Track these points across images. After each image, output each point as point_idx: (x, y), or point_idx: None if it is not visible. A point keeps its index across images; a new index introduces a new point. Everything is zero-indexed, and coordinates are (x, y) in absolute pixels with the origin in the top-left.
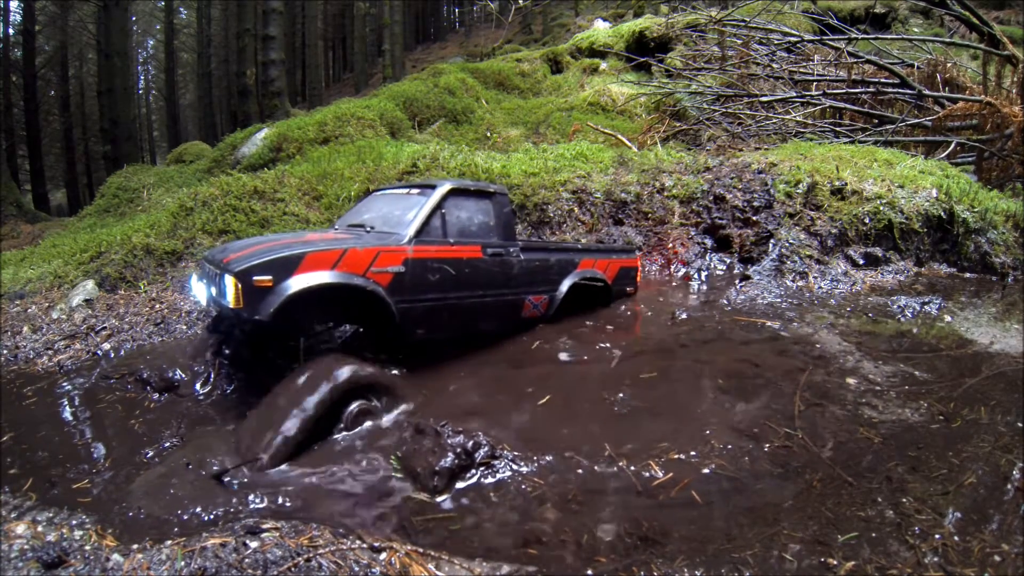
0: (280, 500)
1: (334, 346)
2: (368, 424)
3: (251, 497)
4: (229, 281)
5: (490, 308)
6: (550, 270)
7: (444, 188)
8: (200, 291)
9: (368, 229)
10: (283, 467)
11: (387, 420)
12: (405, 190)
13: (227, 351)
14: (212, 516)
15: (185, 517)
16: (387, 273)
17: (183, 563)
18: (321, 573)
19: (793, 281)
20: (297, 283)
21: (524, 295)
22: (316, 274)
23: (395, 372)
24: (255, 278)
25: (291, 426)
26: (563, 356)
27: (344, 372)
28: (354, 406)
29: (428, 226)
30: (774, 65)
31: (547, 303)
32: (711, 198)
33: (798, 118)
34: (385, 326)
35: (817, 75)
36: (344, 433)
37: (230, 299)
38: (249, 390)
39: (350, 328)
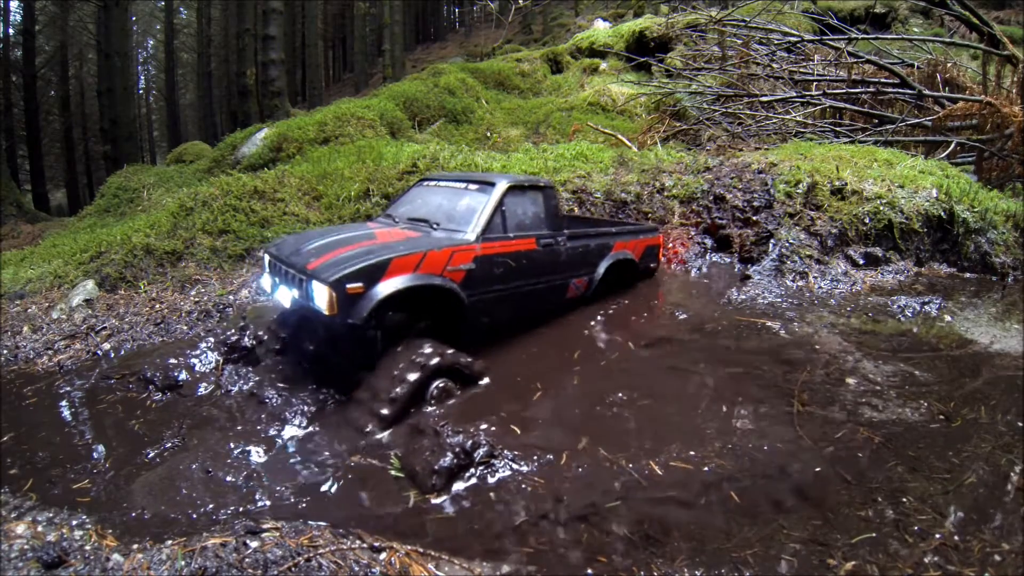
0: (285, 498)
1: (409, 336)
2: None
3: (257, 496)
4: (321, 289)
5: (542, 294)
6: (590, 254)
7: (503, 186)
8: (282, 295)
9: (434, 225)
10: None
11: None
12: (462, 185)
13: (307, 346)
14: (216, 516)
15: (194, 516)
16: (460, 271)
17: (183, 563)
18: (321, 573)
19: (793, 281)
20: (386, 288)
21: (569, 279)
22: (402, 278)
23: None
24: (348, 286)
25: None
26: (563, 355)
27: (435, 355)
28: (438, 383)
29: (491, 224)
30: (774, 65)
31: (587, 284)
32: (711, 198)
33: (798, 118)
34: (456, 317)
35: (817, 75)
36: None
37: (323, 306)
38: (312, 385)
39: (423, 319)
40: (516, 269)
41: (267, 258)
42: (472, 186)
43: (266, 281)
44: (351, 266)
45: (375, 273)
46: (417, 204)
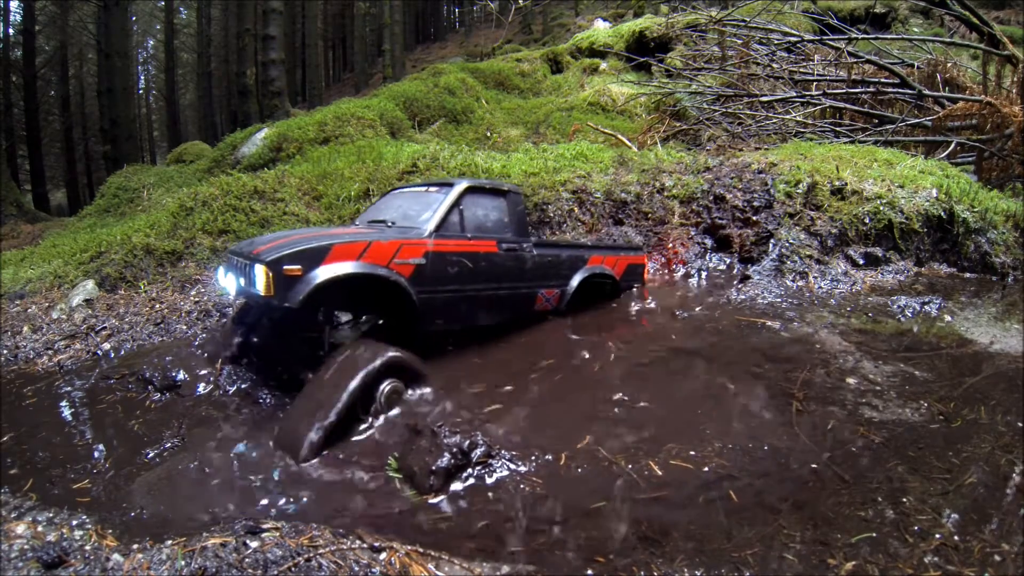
0: (286, 500)
1: (358, 334)
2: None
3: (257, 496)
4: (260, 270)
5: (504, 300)
6: (561, 266)
7: (461, 186)
8: (229, 282)
9: (390, 224)
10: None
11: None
12: (424, 188)
13: (254, 340)
14: (215, 516)
15: (194, 516)
16: (409, 265)
17: (183, 563)
18: (321, 573)
19: (793, 281)
20: (325, 272)
21: (537, 289)
22: (342, 264)
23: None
24: (285, 267)
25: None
26: (564, 353)
27: (380, 355)
28: (386, 385)
29: (447, 221)
30: (774, 65)
31: (558, 297)
32: (711, 198)
33: (798, 118)
34: (406, 316)
35: (817, 75)
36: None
37: (260, 287)
38: (266, 382)
39: (374, 317)
40: (474, 271)
41: (230, 256)
42: (432, 188)
43: (220, 274)
44: (289, 248)
45: (315, 257)
46: (380, 209)
